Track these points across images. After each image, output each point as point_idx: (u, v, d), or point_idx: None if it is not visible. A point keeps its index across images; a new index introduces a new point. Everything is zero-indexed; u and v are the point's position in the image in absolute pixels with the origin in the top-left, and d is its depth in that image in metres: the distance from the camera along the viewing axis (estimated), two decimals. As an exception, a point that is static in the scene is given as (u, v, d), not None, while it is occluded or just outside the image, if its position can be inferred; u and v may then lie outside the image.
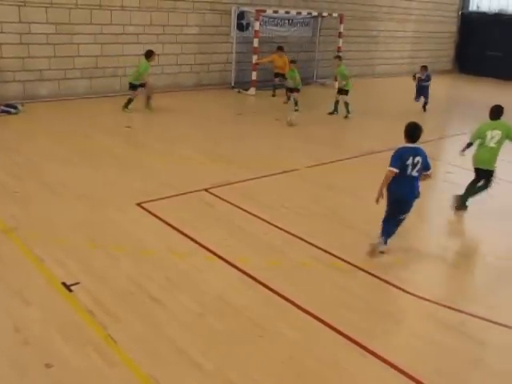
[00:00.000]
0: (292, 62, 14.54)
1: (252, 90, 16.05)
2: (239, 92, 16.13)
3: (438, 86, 21.99)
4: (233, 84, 16.54)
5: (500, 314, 5.41)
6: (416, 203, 6.15)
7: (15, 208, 6.90)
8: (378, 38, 21.92)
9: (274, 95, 16.06)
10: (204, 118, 13.00)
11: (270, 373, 4.31)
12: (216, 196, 7.80)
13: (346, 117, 13.92)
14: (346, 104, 13.87)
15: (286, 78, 14.92)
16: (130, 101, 12.28)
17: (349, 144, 11.34)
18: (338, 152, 10.59)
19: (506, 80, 22.77)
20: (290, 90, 14.25)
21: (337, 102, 14.15)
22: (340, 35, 18.59)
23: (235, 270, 5.80)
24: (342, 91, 13.98)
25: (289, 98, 14.63)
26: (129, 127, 11.25)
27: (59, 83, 13.25)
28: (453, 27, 25.66)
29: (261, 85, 16.27)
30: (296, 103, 13.79)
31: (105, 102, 13.41)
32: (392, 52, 22.85)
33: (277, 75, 15.88)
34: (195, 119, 12.75)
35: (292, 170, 9.21)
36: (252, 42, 16.00)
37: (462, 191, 7.91)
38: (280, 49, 15.91)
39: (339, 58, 14.72)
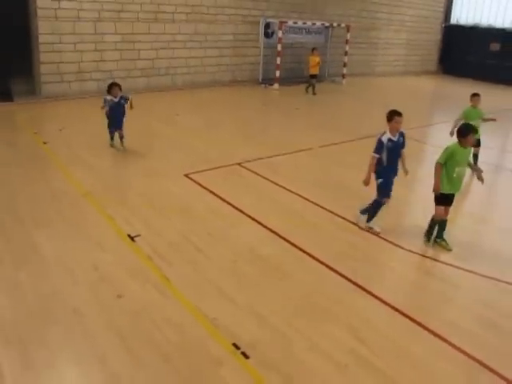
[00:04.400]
0: (314, 49, 15.33)
1: (276, 85, 15.85)
2: (265, 87, 15.95)
3: (425, 84, 21.55)
4: (260, 80, 16.37)
5: (471, 264, 5.36)
6: (408, 178, 6.01)
7: (92, 178, 6.99)
8: (377, 45, 21.45)
9: (314, 93, 15.28)
10: (236, 107, 12.91)
11: (288, 307, 4.36)
12: (247, 169, 7.79)
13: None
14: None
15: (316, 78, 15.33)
16: None
17: (353, 129, 11.16)
18: (345, 135, 10.42)
19: (482, 80, 22.28)
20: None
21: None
22: (347, 42, 18.22)
23: (262, 228, 5.82)
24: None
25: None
26: (178, 115, 11.24)
27: (125, 81, 13.25)
28: (438, 36, 25.05)
29: (283, 81, 16.06)
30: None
31: (159, 95, 13.39)
32: (389, 56, 22.37)
33: (312, 76, 15.24)
34: (229, 108, 12.66)
35: (308, 149, 9.13)
36: (276, 47, 15.77)
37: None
38: (314, 49, 15.46)
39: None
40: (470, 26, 24.49)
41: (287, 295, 4.52)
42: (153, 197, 6.51)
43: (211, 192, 6.75)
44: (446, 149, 5.35)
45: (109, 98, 8.06)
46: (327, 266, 5.04)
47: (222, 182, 7.16)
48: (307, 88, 15.39)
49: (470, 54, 23.60)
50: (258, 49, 16.23)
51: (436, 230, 5.66)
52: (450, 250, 5.54)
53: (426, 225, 5.76)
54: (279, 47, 15.68)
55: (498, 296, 4.92)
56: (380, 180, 5.68)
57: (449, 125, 8.61)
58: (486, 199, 7.94)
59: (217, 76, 15.60)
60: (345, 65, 18.35)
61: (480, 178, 5.77)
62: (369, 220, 5.86)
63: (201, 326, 3.97)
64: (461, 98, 17.44)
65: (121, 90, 8.09)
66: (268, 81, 16.12)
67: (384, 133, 5.62)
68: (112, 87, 8.07)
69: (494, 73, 22.35)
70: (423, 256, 5.49)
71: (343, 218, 6.19)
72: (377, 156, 5.57)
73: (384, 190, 5.71)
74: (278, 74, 15.87)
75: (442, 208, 5.47)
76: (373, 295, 4.60)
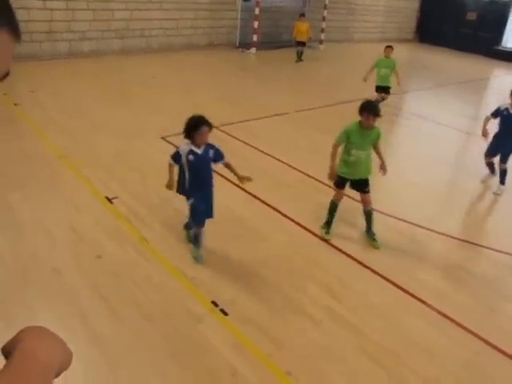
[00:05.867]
0: (302, 15, 15.08)
1: (253, 50, 15.65)
2: (242, 51, 15.74)
3: (402, 53, 21.57)
4: (237, 44, 16.12)
5: (440, 226, 5.57)
6: (383, 143, 6.07)
7: (66, 140, 6.88)
8: (355, 11, 21.23)
9: (301, 60, 14.96)
10: (213, 70, 12.72)
11: (266, 266, 4.47)
12: (224, 132, 7.77)
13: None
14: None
15: (304, 46, 14.95)
16: None
17: (330, 94, 11.19)
18: (321, 100, 10.45)
19: (458, 49, 22.45)
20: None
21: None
22: (325, 7, 17.99)
23: (240, 190, 5.86)
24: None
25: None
26: (153, 77, 11.03)
27: (98, 42, 12.88)
28: (416, 4, 24.91)
29: (260, 45, 15.85)
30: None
31: (134, 57, 13.08)
32: (367, 22, 22.21)
33: (299, 44, 14.84)
34: (206, 72, 12.48)
35: (284, 114, 9.14)
36: (254, 10, 15.47)
37: (419, 133, 7.90)
38: (302, 15, 15.09)
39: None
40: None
41: (265, 255, 4.63)
42: (129, 159, 6.47)
43: (189, 155, 6.73)
44: (342, 128, 4.78)
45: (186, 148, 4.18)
46: (303, 226, 5.16)
47: (199, 146, 7.13)
48: (298, 57, 14.97)
49: (446, 22, 23.57)
50: (235, 12, 15.90)
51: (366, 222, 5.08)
52: (377, 247, 4.97)
53: (399, 187, 5.91)
54: (257, 11, 15.40)
55: (467, 256, 5.16)
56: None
57: (422, 92, 8.72)
58: (456, 166, 8.17)
59: (193, 39, 15.28)
60: (322, 30, 18.20)
61: (382, 168, 4.98)
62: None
63: (180, 285, 4.06)
64: (436, 67, 17.67)
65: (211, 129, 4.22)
66: (245, 45, 15.89)
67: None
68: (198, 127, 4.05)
69: (469, 42, 22.44)
70: (396, 218, 5.66)
71: (317, 180, 6.30)
72: None
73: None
74: (255, 38, 15.65)
75: (341, 191, 4.99)
76: (347, 254, 4.75)
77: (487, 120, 6.76)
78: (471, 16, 23.09)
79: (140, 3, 13.46)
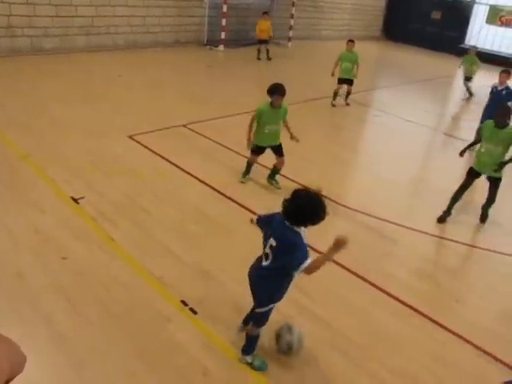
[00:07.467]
0: (265, 12, 14.88)
1: (221, 47, 15.59)
2: (210, 48, 15.66)
3: (369, 50, 21.88)
4: (205, 42, 16.04)
5: (408, 221, 5.67)
6: (349, 141, 6.17)
7: (29, 140, 6.70)
8: (323, 8, 21.43)
9: (269, 58, 15.02)
10: (181, 68, 12.61)
11: (234, 263, 4.45)
12: (192, 130, 7.73)
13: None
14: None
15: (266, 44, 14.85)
16: None
17: (298, 91, 11.22)
18: (290, 97, 10.43)
19: (423, 47, 22.99)
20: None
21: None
22: (293, 4, 18.09)
23: (208, 188, 5.86)
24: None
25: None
26: (120, 76, 10.86)
27: (61, 39, 12.59)
28: (382, 2, 25.36)
29: (228, 43, 15.80)
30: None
31: (100, 55, 12.84)
32: (334, 20, 22.44)
33: (261, 41, 14.84)
34: (174, 69, 12.36)
35: (253, 111, 9.09)
36: (221, 8, 15.42)
37: (387, 130, 8.01)
38: (265, 13, 15.04)
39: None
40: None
41: (233, 252, 4.62)
42: (96, 158, 6.35)
43: (156, 153, 6.67)
44: (258, 109, 5.74)
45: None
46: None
47: (166, 144, 7.08)
48: (259, 55, 15.01)
49: (412, 21, 24.07)
50: (203, 9, 15.80)
51: (271, 172, 6.14)
52: (278, 188, 6.00)
53: (368, 184, 5.98)
54: (225, 8, 15.34)
55: (434, 249, 5.27)
56: None
57: (390, 89, 8.89)
58: (423, 162, 8.34)
59: (160, 36, 15.11)
60: (291, 28, 18.28)
61: (293, 138, 5.94)
62: None
63: (148, 285, 4.01)
64: (403, 65, 18.00)
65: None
66: (213, 42, 15.82)
67: None
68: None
69: (435, 40, 22.99)
70: (365, 214, 5.74)
71: (284, 176, 6.33)
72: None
73: None
74: (223, 35, 15.59)
75: (255, 156, 6.02)
76: (315, 250, 4.77)
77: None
78: (436, 15, 23.65)
79: (105, -1, 13.23)
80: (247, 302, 3.95)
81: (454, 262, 5.29)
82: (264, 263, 3.09)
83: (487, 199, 5.76)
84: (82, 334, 3.43)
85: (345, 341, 3.70)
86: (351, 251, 4.94)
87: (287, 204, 2.89)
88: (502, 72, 8.79)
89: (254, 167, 6.31)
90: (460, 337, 3.90)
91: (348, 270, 4.56)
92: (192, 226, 5.00)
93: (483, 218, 5.90)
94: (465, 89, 13.06)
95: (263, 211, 3.57)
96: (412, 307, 4.17)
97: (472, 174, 5.71)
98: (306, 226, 2.97)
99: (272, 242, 3.00)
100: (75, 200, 5.18)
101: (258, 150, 5.99)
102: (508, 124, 5.46)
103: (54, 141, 6.77)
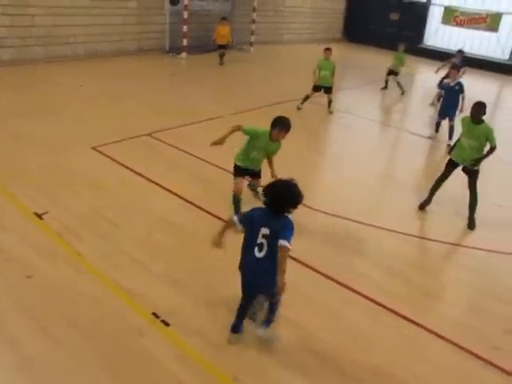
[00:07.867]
0: (224, 18, 14.75)
1: (183, 54, 15.52)
2: (173, 56, 15.57)
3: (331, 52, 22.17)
4: (167, 49, 15.93)
5: (374, 219, 5.77)
6: (315, 143, 6.22)
7: (-13, 154, 6.51)
8: (284, 12, 21.63)
9: (221, 63, 14.94)
10: (143, 76, 12.46)
11: (204, 272, 4.44)
12: (157, 139, 7.65)
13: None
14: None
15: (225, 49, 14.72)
16: None
17: (262, 96, 11.27)
18: (254, 103, 10.49)
19: (383, 48, 23.42)
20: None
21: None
22: (254, 9, 18.19)
23: (175, 197, 5.80)
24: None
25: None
26: (81, 85, 10.67)
27: (19, 50, 12.28)
28: (342, 5, 25.78)
29: (191, 50, 15.74)
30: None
31: (59, 65, 12.58)
32: (295, 24, 22.66)
33: (220, 47, 14.77)
34: (136, 78, 12.19)
35: (218, 117, 9.11)
36: (182, 14, 15.36)
37: (349, 130, 8.11)
38: (224, 19, 15.01)
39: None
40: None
41: (203, 261, 4.58)
42: (59, 172, 6.21)
43: (121, 164, 6.56)
44: (255, 130, 5.19)
45: None
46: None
47: (131, 154, 6.97)
48: (221, 61, 14.95)
49: (371, 22, 24.52)
50: (163, 16, 15.71)
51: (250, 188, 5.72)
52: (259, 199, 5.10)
53: (334, 185, 6.02)
54: (185, 15, 15.28)
55: (401, 247, 5.37)
56: None
57: (352, 91, 9.04)
58: (387, 160, 8.49)
59: (121, 45, 14.92)
60: (252, 33, 18.35)
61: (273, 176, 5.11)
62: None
63: (118, 298, 3.94)
64: (365, 65, 18.31)
65: None
66: (175, 50, 15.73)
67: None
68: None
69: (393, 41, 23.40)
70: (332, 215, 5.80)
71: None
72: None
73: None
74: (185, 42, 15.52)
75: (239, 180, 5.37)
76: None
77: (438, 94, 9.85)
78: (394, 16, 24.16)
79: (63, 8, 12.95)
80: (218, 309, 3.93)
81: (422, 258, 5.39)
82: (259, 255, 3.33)
83: (470, 197, 5.91)
84: (51, 355, 3.33)
85: (318, 342, 3.72)
86: (320, 253, 5.03)
87: (268, 193, 3.23)
88: (452, 68, 9.41)
89: (221, 175, 6.28)
90: (431, 331, 3.98)
91: (317, 271, 4.59)
92: (159, 236, 4.94)
93: (471, 224, 5.96)
94: (395, 84, 13.53)
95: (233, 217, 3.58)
96: (382, 305, 4.23)
97: (451, 166, 6.00)
98: (289, 212, 3.27)
99: (264, 230, 3.25)
100: (39, 215, 5.04)
101: (237, 172, 5.42)
102: (483, 120, 5.67)
103: (14, 155, 6.58)
